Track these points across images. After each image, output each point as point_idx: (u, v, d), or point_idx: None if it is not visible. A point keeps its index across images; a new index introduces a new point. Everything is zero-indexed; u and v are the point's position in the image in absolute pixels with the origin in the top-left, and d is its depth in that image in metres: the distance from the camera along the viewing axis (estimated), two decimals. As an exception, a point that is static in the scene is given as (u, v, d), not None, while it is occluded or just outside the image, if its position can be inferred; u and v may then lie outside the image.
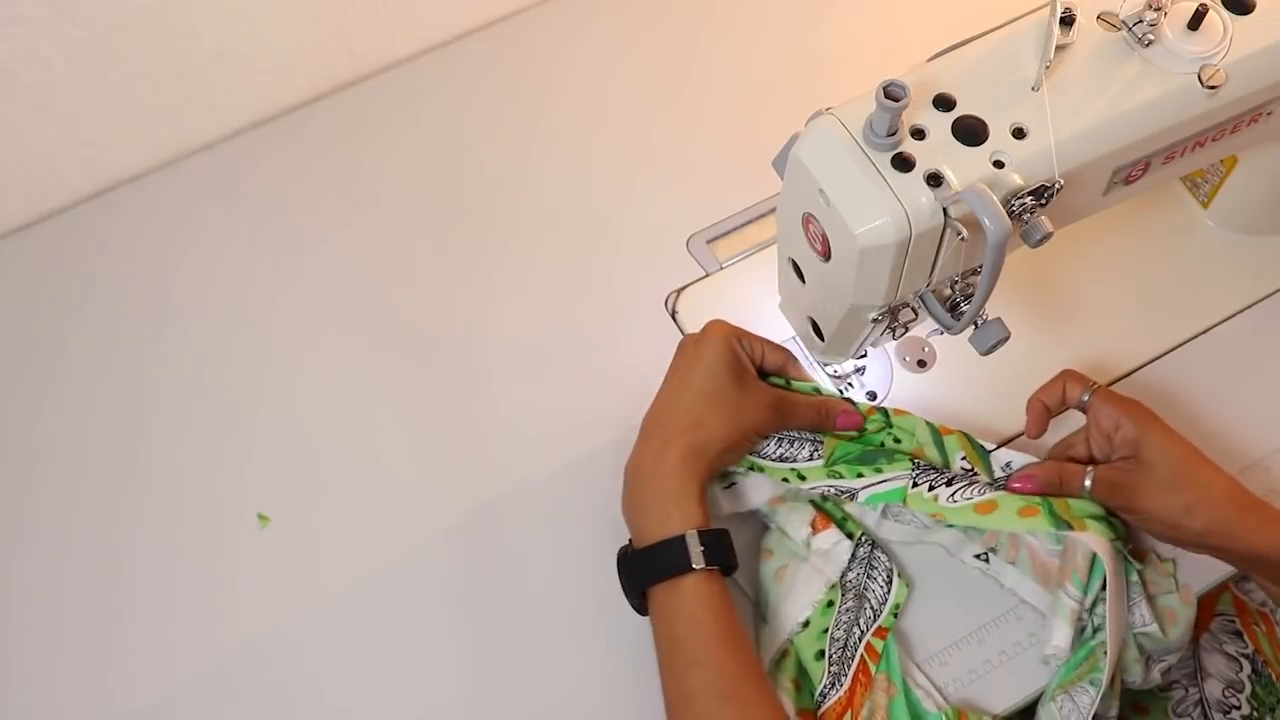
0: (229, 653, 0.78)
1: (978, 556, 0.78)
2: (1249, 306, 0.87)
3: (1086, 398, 0.74)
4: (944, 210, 0.61)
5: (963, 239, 0.62)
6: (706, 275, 0.90)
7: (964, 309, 0.68)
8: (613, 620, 0.78)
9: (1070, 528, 0.71)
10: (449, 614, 0.79)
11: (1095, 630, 0.73)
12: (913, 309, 0.70)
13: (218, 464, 0.84)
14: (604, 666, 0.77)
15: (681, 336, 0.81)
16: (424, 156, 0.97)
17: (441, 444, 0.85)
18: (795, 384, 0.79)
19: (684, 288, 0.90)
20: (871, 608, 0.76)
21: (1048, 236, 0.63)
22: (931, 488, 0.74)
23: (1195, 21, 0.65)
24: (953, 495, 0.73)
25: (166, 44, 0.90)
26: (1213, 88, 0.65)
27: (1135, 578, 0.74)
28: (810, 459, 0.76)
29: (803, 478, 0.76)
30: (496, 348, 0.88)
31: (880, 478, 0.75)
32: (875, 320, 0.69)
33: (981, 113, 0.63)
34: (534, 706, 0.76)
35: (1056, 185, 0.62)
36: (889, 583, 0.76)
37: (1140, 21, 0.65)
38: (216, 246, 0.93)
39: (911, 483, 0.74)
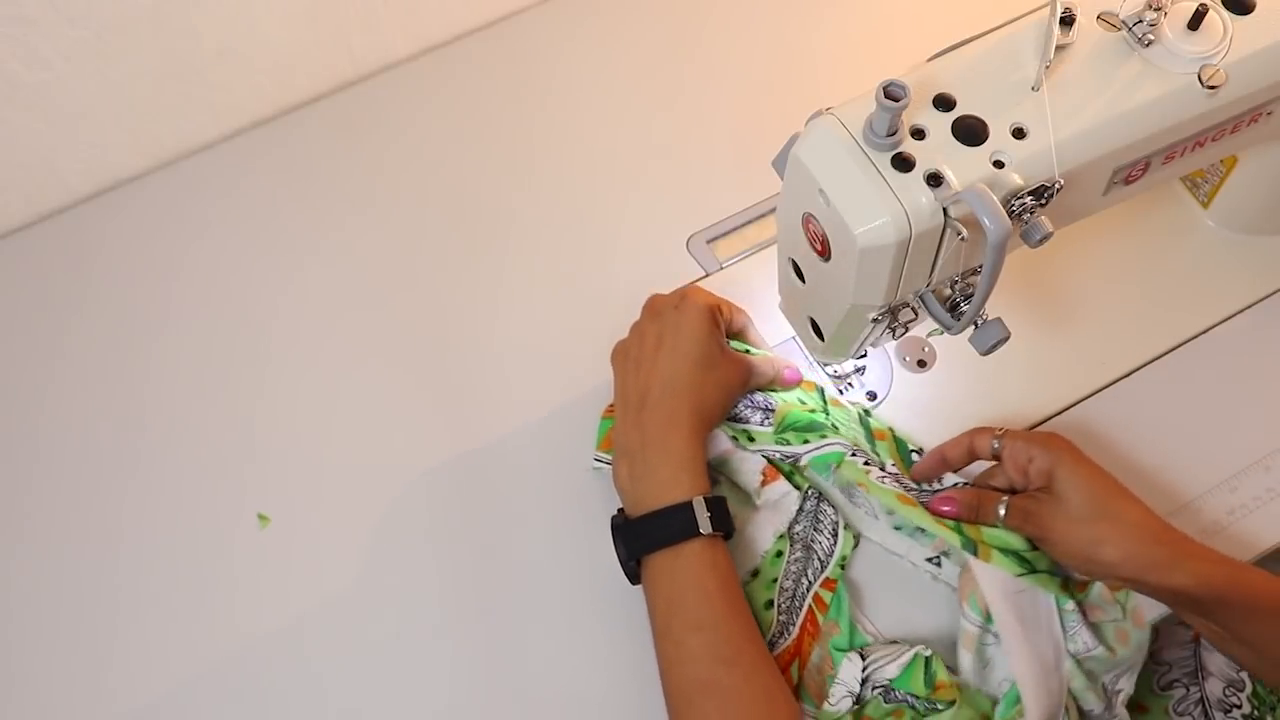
0: (229, 652, 0.78)
1: (930, 560, 0.78)
2: (1249, 306, 0.87)
3: (997, 445, 0.74)
4: (944, 210, 0.61)
5: (963, 239, 0.62)
6: (706, 275, 0.90)
7: (964, 309, 0.68)
8: (615, 620, 0.78)
9: (975, 552, 0.71)
10: (449, 614, 0.79)
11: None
12: (913, 309, 0.70)
13: (218, 464, 0.84)
14: (606, 666, 0.77)
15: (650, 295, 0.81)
16: (424, 156, 0.97)
17: (441, 444, 0.85)
18: (750, 349, 0.82)
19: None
20: (819, 559, 0.77)
21: (1048, 236, 0.63)
22: (866, 463, 0.76)
23: (1195, 21, 0.65)
24: (882, 479, 0.75)
25: (166, 44, 0.90)
26: (1213, 88, 0.65)
27: (1070, 606, 0.72)
28: (761, 425, 0.79)
29: (751, 439, 0.79)
30: (497, 348, 0.88)
31: (823, 442, 0.77)
32: (875, 320, 0.69)
33: (981, 113, 0.63)
34: (534, 705, 0.76)
35: (1056, 185, 0.62)
36: (835, 535, 0.77)
37: (1140, 21, 0.65)
38: (216, 247, 0.93)
39: (850, 452, 0.77)
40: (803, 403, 0.81)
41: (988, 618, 0.72)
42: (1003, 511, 0.72)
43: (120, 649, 0.79)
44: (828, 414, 0.81)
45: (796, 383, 0.82)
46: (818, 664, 0.73)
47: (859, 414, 0.82)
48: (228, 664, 0.78)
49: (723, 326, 0.79)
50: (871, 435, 0.80)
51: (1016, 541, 0.72)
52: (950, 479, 0.78)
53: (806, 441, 0.78)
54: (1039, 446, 0.71)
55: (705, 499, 0.71)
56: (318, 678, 0.77)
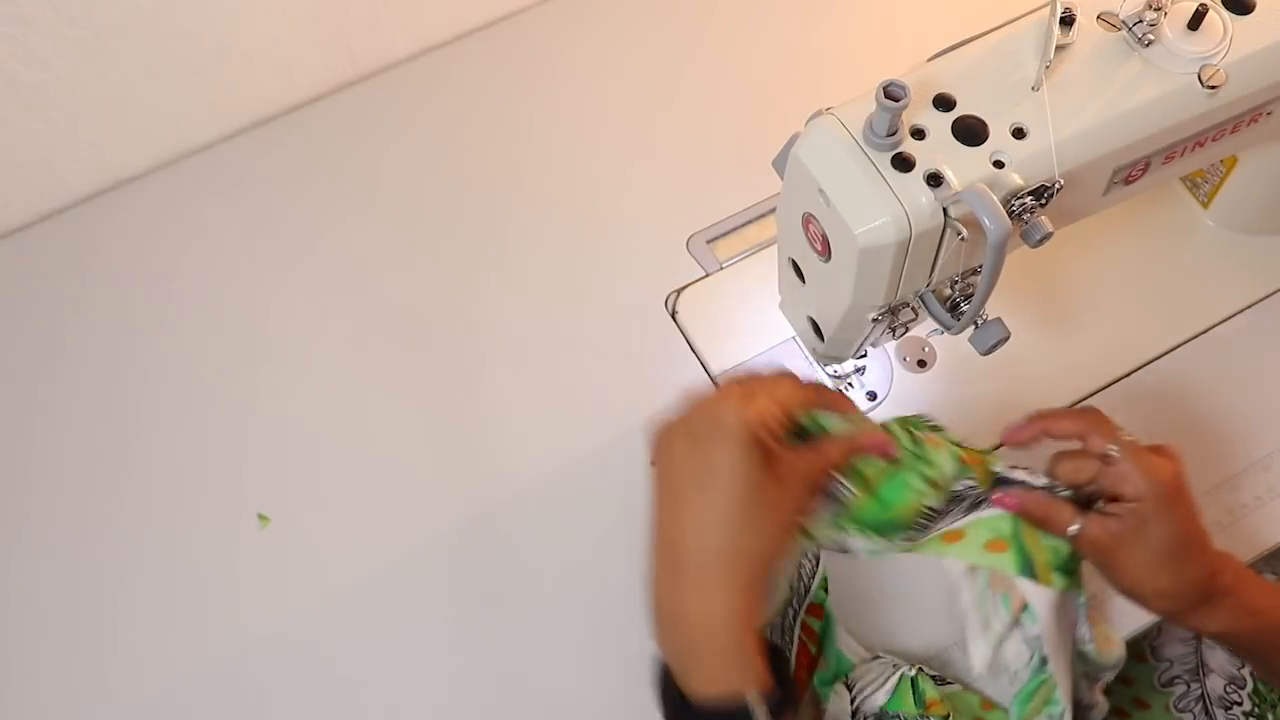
0: (229, 652, 0.78)
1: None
2: (1249, 306, 0.87)
3: (1114, 452, 0.65)
4: (944, 210, 0.61)
5: (963, 239, 0.62)
6: (706, 275, 0.90)
7: (964, 309, 0.68)
8: (611, 617, 0.78)
9: (1034, 576, 0.67)
10: (449, 613, 0.79)
11: (1043, 661, 0.70)
12: (913, 309, 0.70)
13: (217, 464, 0.84)
14: (605, 664, 0.77)
15: (654, 422, 0.64)
16: (423, 156, 0.97)
17: (441, 444, 0.85)
18: (823, 420, 0.65)
19: (684, 288, 0.90)
20: (803, 582, 0.72)
21: (1048, 236, 0.63)
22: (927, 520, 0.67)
23: (1195, 21, 0.65)
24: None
25: (166, 44, 0.89)
26: (1213, 88, 0.65)
27: (1083, 600, 0.70)
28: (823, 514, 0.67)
29: (809, 534, 0.67)
30: (497, 347, 0.88)
31: (884, 545, 0.67)
32: (875, 320, 0.69)
33: (981, 113, 0.63)
34: (534, 704, 0.76)
35: (1056, 185, 0.62)
36: (816, 558, 0.73)
37: (1140, 21, 0.65)
38: (216, 246, 0.93)
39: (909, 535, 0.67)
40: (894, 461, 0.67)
41: (1016, 619, 0.70)
42: (1072, 531, 0.66)
43: (120, 649, 0.79)
44: (921, 458, 0.67)
45: (882, 451, 0.66)
46: (809, 699, 0.71)
47: (951, 448, 0.68)
48: (228, 664, 0.78)
49: (767, 437, 0.61)
50: (962, 465, 0.68)
51: (1064, 547, 0.68)
52: (1020, 475, 0.69)
53: (866, 536, 0.66)
54: (1151, 487, 0.65)
55: (763, 690, 0.58)
56: (318, 677, 0.77)
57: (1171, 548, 0.65)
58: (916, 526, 0.66)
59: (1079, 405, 0.84)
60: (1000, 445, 0.71)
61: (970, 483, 0.67)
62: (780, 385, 0.63)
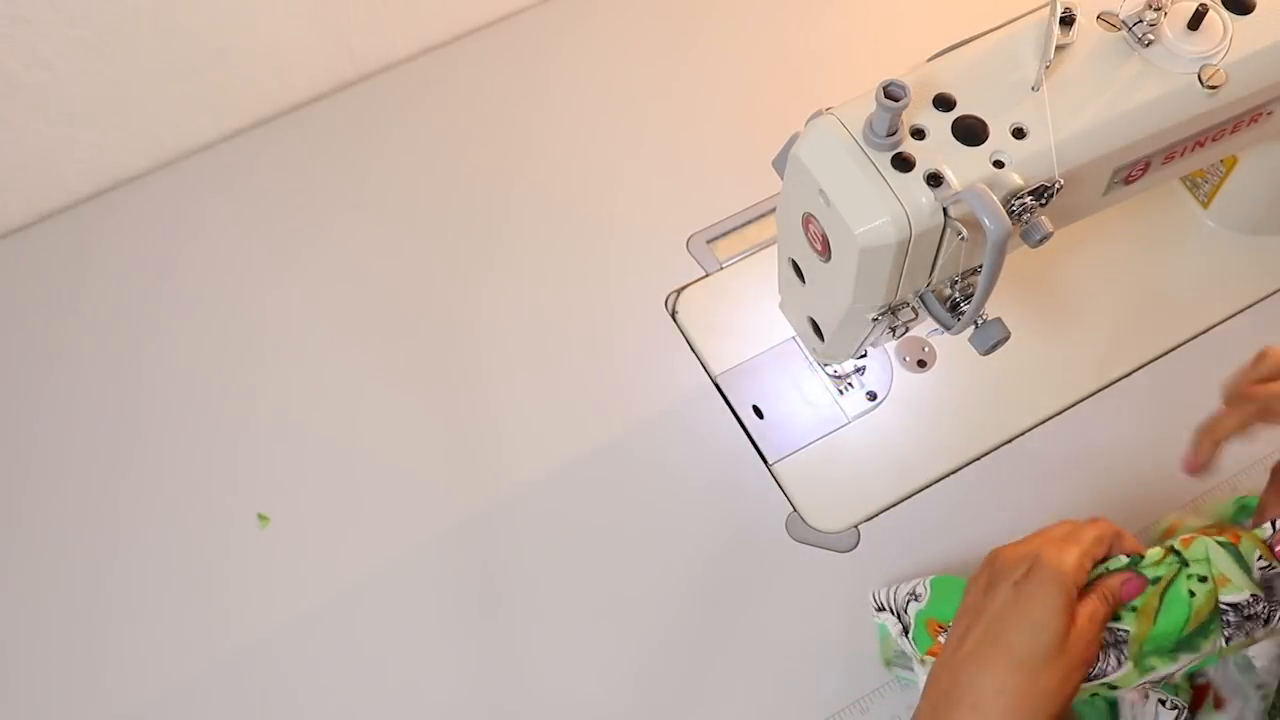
0: (229, 653, 0.78)
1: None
2: (1249, 306, 0.87)
3: None
4: (944, 210, 0.61)
5: (963, 239, 0.62)
6: (706, 275, 0.90)
7: (964, 309, 0.68)
8: (611, 620, 0.78)
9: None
10: (449, 614, 0.79)
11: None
12: (913, 309, 0.70)
13: (217, 464, 0.84)
14: (604, 666, 0.77)
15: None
16: (424, 156, 0.97)
17: (441, 444, 0.85)
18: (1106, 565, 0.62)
19: (684, 288, 0.90)
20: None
21: (1048, 236, 0.63)
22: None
23: (1195, 21, 0.65)
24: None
25: (166, 44, 0.89)
26: (1213, 88, 0.65)
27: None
28: (1119, 665, 0.62)
29: (1114, 688, 0.63)
30: (496, 347, 0.88)
31: (1197, 655, 0.62)
32: (875, 320, 0.69)
33: (981, 113, 0.63)
34: (534, 705, 0.76)
35: (1056, 185, 0.62)
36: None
37: (1140, 21, 0.65)
38: (216, 246, 0.93)
39: (1225, 641, 0.62)
40: (1155, 581, 0.61)
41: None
42: None
43: (120, 649, 0.79)
44: (1186, 565, 0.62)
45: (1138, 592, 0.62)
46: None
47: (1204, 540, 0.62)
48: (227, 663, 0.78)
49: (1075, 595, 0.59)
50: (1230, 546, 0.62)
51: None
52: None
53: (1176, 659, 0.61)
54: None
55: None
56: (318, 678, 0.77)
57: None
58: (1225, 624, 0.61)
59: (1078, 405, 0.84)
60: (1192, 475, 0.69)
61: (1263, 562, 0.62)
62: (1090, 534, 0.62)
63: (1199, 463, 0.68)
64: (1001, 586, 0.59)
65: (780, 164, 0.66)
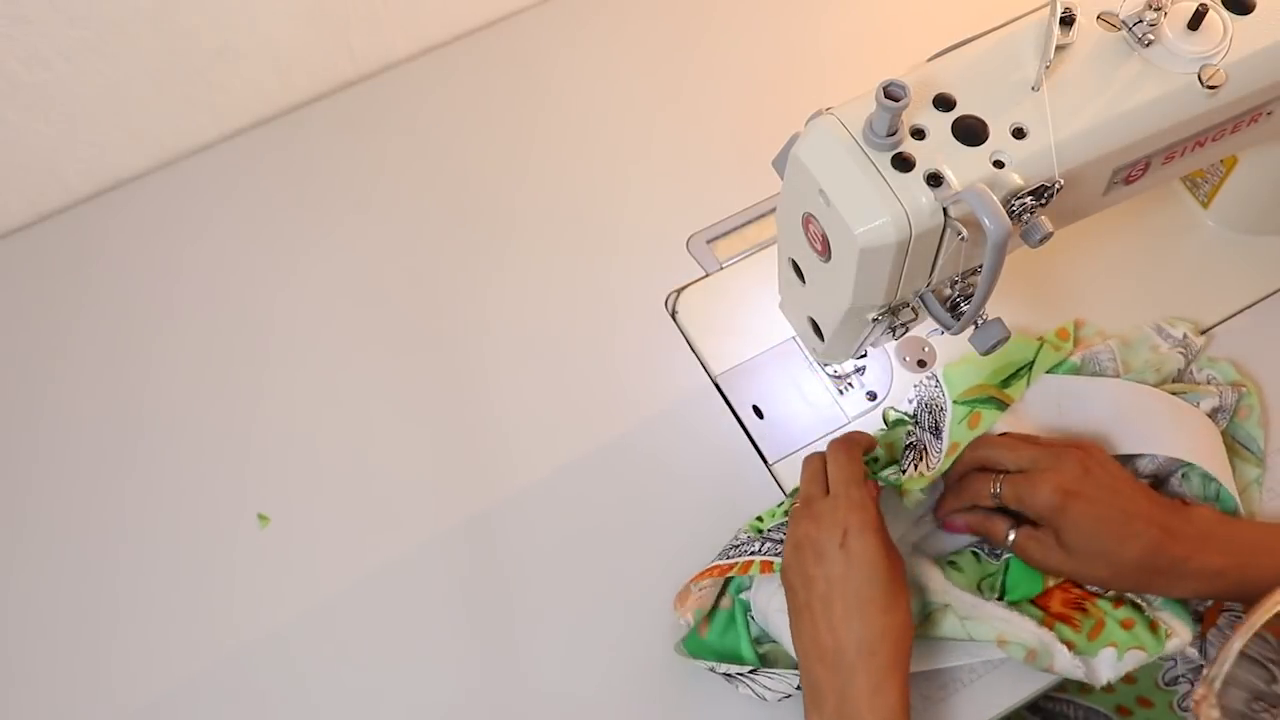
0: (229, 653, 0.78)
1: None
2: (1249, 306, 0.87)
3: (998, 490, 0.73)
4: (944, 210, 0.61)
5: (963, 239, 0.62)
6: (706, 275, 0.90)
7: (964, 309, 0.68)
8: (610, 620, 0.78)
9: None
10: (449, 614, 0.79)
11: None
12: (913, 309, 0.70)
13: (218, 464, 0.84)
14: (603, 666, 0.77)
15: (829, 538, 0.69)
16: (424, 156, 0.97)
17: (441, 444, 0.85)
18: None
19: (684, 288, 0.90)
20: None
21: (1048, 236, 0.63)
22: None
23: (1195, 21, 0.65)
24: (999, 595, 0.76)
25: (166, 44, 0.89)
26: (1213, 88, 0.65)
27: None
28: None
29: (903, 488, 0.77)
30: (497, 347, 0.88)
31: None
32: (875, 320, 0.69)
33: (981, 113, 0.63)
34: (534, 705, 0.76)
35: (1056, 185, 0.62)
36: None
37: (1140, 21, 0.65)
38: (216, 246, 0.93)
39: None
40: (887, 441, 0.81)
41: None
42: (1011, 538, 0.73)
43: (120, 649, 0.79)
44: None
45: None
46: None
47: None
48: (228, 664, 0.78)
49: (884, 525, 0.71)
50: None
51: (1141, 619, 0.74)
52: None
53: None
54: (1033, 501, 0.71)
55: None
56: (317, 678, 0.77)
57: (1089, 545, 0.70)
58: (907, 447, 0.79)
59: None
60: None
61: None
62: (849, 448, 0.73)
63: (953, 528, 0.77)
64: (830, 555, 0.68)
65: (780, 164, 0.66)
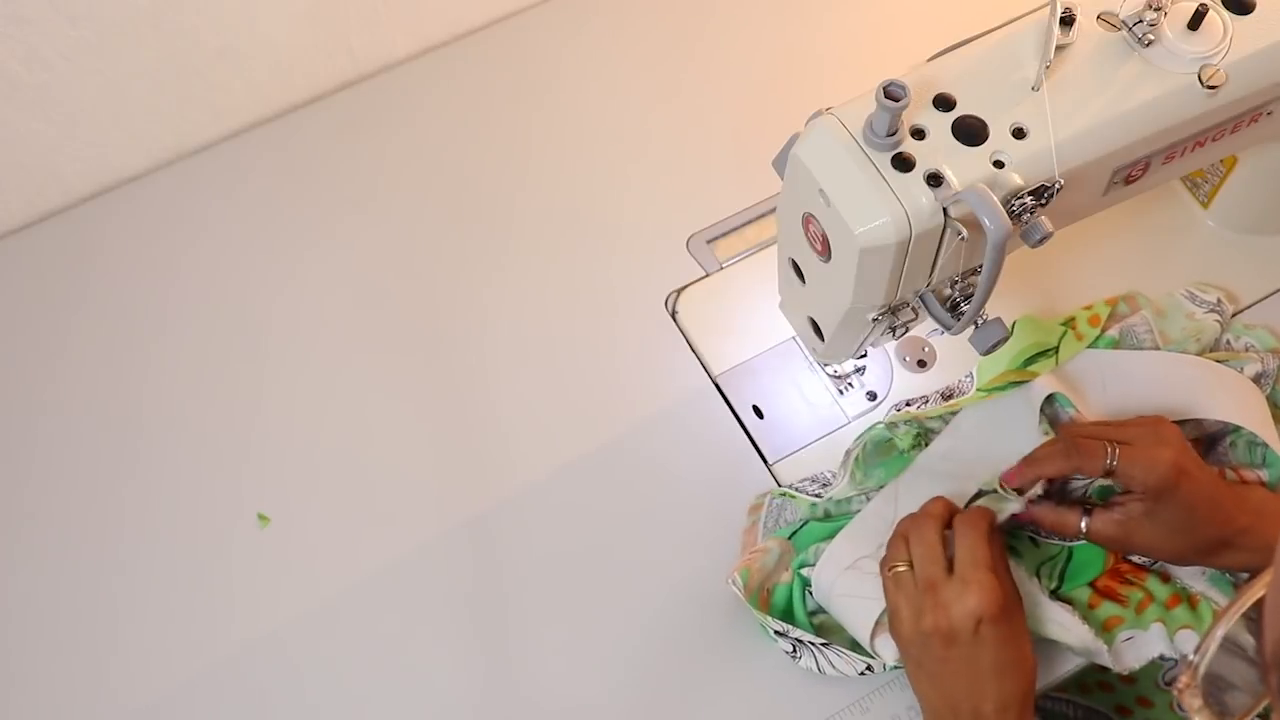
0: (229, 653, 0.78)
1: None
2: (1249, 306, 0.87)
3: (1113, 464, 0.70)
4: (944, 210, 0.61)
5: (963, 239, 0.62)
6: (706, 275, 0.90)
7: (964, 309, 0.68)
8: (609, 620, 0.78)
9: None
10: (449, 614, 0.79)
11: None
12: (913, 309, 0.70)
13: (217, 464, 0.84)
14: (603, 667, 0.77)
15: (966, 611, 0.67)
16: (424, 156, 0.97)
17: (441, 444, 0.85)
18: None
19: (684, 288, 0.90)
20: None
21: (1048, 236, 0.63)
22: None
23: (1195, 21, 0.65)
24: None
25: (166, 44, 0.89)
26: (1213, 88, 0.65)
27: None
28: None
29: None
30: (496, 347, 0.88)
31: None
32: (875, 320, 0.69)
33: (981, 113, 0.63)
34: (534, 705, 0.76)
35: (1056, 185, 0.62)
36: None
37: (1140, 21, 0.65)
38: (216, 246, 0.93)
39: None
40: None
41: None
42: (1084, 527, 0.72)
43: (120, 649, 0.79)
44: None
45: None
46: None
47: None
48: (228, 664, 0.78)
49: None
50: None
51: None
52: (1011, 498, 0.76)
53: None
54: (1147, 474, 0.69)
55: None
56: (317, 678, 0.77)
57: (1183, 522, 0.70)
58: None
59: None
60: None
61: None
62: (978, 523, 0.72)
63: (1018, 482, 0.74)
64: (963, 640, 0.67)
65: (780, 164, 0.66)
